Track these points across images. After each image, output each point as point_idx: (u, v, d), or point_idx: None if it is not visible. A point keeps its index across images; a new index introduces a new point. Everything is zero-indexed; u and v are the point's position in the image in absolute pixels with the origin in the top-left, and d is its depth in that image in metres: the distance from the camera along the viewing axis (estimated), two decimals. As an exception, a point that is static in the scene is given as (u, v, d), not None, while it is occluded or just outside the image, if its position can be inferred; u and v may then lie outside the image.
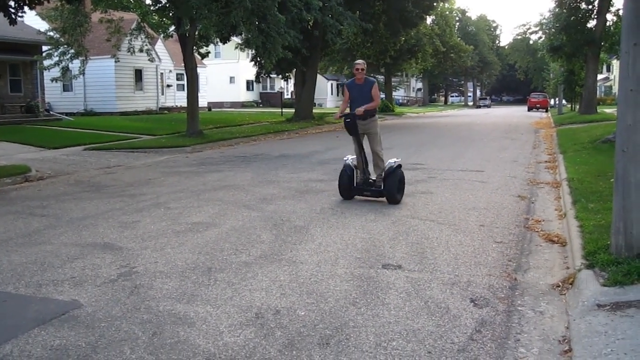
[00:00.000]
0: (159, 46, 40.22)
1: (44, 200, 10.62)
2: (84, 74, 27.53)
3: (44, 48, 29.23)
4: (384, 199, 9.85)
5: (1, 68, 29.40)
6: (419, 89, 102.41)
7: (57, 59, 24.92)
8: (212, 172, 13.95)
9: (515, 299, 5.38)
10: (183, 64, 25.17)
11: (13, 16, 14.26)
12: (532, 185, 11.74)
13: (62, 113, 33.58)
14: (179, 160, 16.85)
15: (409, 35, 50.52)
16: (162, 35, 33.22)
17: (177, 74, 44.60)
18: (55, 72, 26.58)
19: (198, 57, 32.52)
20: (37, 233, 7.99)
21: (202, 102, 41.26)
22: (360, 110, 9.56)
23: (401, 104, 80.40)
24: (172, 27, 28.27)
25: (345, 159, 10.19)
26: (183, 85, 42.89)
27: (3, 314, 5.12)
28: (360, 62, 10.05)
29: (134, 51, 27.64)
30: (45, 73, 29.98)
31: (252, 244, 7.21)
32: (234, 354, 4.26)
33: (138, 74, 39.78)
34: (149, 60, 30.70)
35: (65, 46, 24.44)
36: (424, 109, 71.28)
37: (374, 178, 10.16)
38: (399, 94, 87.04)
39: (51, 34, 26.88)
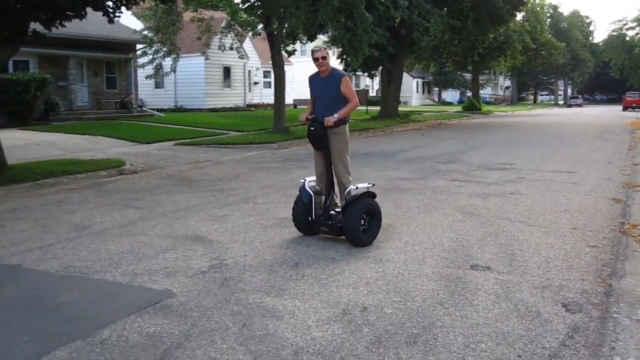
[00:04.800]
0: (247, 44, 40.96)
1: (137, 192, 11.03)
2: (175, 71, 28.36)
3: (138, 46, 30.31)
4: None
5: (98, 66, 30.70)
6: (507, 87, 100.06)
7: (150, 57, 25.79)
8: (298, 168, 14.10)
9: (610, 305, 5.18)
10: (270, 62, 25.55)
11: (111, 15, 14.83)
12: (628, 188, 11.26)
13: (153, 109, 34.75)
14: (266, 156, 17.12)
15: (498, 32, 49.38)
16: (250, 33, 33.81)
17: (264, 72, 45.32)
18: (149, 69, 27.55)
19: (285, 54, 32.92)
20: (132, 224, 8.32)
21: (288, 99, 41.74)
22: (330, 120, 6.97)
23: (488, 103, 78.79)
24: (261, 25, 28.72)
25: (302, 181, 7.52)
26: (269, 82, 43.57)
27: (102, 300, 5.36)
28: (317, 50, 7.27)
29: (224, 49, 28.23)
30: (139, 70, 31.07)
31: (338, 240, 7.23)
32: (321, 348, 4.30)
33: (226, 71, 40.65)
34: (238, 57, 31.33)
35: (159, 44, 25.26)
36: (512, 108, 69.64)
37: (339, 208, 7.39)
38: (486, 92, 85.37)
39: (145, 32, 27.84)
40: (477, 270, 6.09)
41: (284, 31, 25.68)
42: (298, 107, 50.33)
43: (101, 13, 14.75)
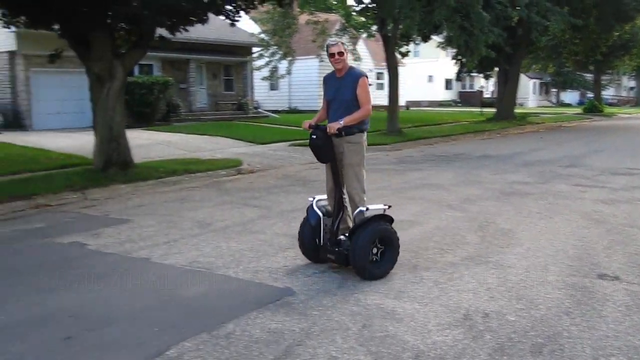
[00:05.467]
0: (360, 46, 41.06)
1: (255, 192, 11.31)
2: (290, 73, 28.88)
3: (254, 49, 31.11)
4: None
5: (217, 69, 31.78)
6: (632, 88, 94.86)
7: (267, 59, 26.40)
8: (413, 170, 14.00)
9: None
10: (382, 63, 25.56)
11: (231, 19, 15.32)
12: None
13: (268, 110, 35.52)
14: (380, 158, 17.09)
15: (624, 30, 46.93)
16: (364, 35, 33.90)
17: (377, 73, 45.28)
18: (265, 72, 28.21)
19: (398, 56, 32.81)
20: (252, 222, 8.54)
21: (401, 100, 41.48)
22: (334, 127, 5.93)
23: (610, 104, 75.01)
24: (375, 27, 28.75)
25: (310, 199, 6.56)
26: (381, 83, 43.51)
27: (225, 296, 5.54)
28: (334, 44, 6.17)
29: (338, 51, 28.48)
30: (255, 73, 31.87)
31: (457, 244, 7.13)
32: (442, 353, 4.24)
33: (339, 73, 40.89)
34: (353, 60, 31.47)
35: (275, 47, 25.81)
36: (637, 110, 65.98)
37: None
38: (608, 94, 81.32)
39: (262, 36, 28.54)
40: (605, 279, 5.81)
41: (398, 32, 25.59)
42: (410, 108, 50.02)
43: (222, 17, 15.30)
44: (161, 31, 14.26)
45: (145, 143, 18.81)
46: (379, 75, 45.14)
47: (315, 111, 36.17)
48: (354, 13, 28.55)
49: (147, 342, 4.51)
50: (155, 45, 14.63)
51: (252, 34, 30.32)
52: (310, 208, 6.37)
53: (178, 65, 29.19)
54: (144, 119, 25.13)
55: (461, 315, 4.91)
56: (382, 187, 11.47)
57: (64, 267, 6.62)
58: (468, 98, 65.19)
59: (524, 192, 10.84)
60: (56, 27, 13.31)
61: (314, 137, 6.13)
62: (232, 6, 15.27)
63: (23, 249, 7.58)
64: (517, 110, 38.69)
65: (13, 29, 16.86)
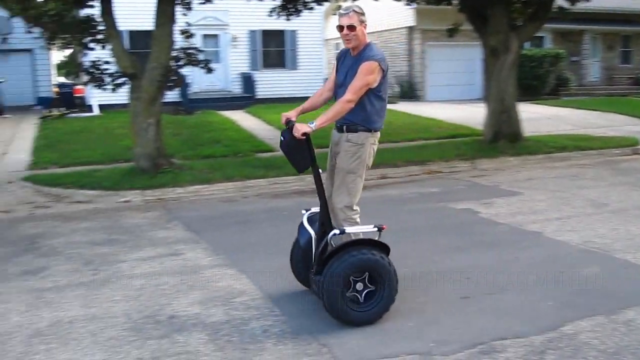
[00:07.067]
0: None
1: (655, 174, 10.42)
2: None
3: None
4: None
5: (614, 40, 29.71)
6: None
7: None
8: None
9: None
10: None
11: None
12: None
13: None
14: None
15: None
16: None
17: None
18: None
19: None
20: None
21: None
22: (300, 129, 4.33)
23: None
24: None
25: (303, 212, 4.95)
26: None
27: (624, 281, 5.26)
28: (344, 13, 4.54)
29: None
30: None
31: None
32: None
33: None
34: None
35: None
36: None
37: None
38: None
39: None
40: None
41: None
42: None
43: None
44: (560, 2, 13.84)
45: (533, 117, 18.55)
46: None
47: None
48: None
49: (541, 315, 4.54)
50: (552, 17, 14.24)
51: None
52: (301, 225, 4.91)
53: (570, 37, 28.03)
54: (532, 92, 24.79)
55: None
56: None
57: (458, 231, 6.99)
58: None
59: None
60: (455, 2, 13.86)
61: (281, 138, 4.63)
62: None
63: (420, 210, 8.21)
64: None
65: (414, 5, 17.98)
